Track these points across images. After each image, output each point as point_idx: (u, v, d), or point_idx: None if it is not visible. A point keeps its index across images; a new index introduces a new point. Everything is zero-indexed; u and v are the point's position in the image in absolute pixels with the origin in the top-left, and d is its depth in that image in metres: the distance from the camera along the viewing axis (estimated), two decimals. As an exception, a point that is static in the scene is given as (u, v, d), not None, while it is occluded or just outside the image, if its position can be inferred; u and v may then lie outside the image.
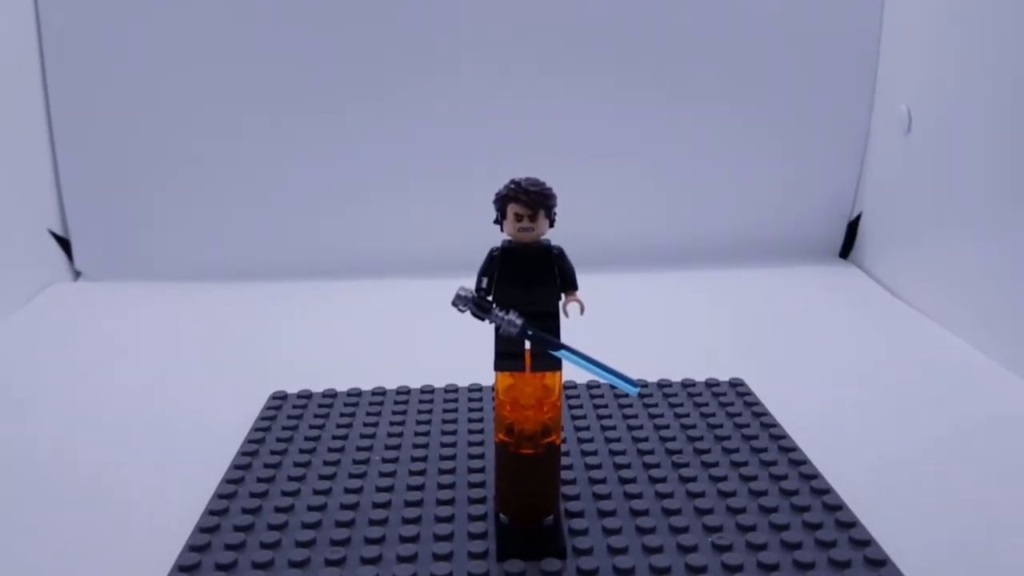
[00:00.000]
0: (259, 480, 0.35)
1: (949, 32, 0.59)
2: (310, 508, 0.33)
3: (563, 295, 0.30)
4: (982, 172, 0.55)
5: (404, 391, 0.45)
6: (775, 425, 0.40)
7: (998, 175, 0.53)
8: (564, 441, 0.37)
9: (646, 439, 0.39)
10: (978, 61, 0.55)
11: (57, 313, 0.63)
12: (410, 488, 0.35)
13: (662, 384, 0.45)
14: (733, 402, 0.43)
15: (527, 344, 0.29)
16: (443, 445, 0.39)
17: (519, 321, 0.28)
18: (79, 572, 0.31)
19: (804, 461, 0.36)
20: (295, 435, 0.40)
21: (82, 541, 0.33)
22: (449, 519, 0.32)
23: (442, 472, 0.36)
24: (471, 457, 0.37)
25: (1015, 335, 0.50)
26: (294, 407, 0.43)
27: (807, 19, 0.71)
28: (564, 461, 0.35)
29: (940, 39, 0.61)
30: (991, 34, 0.54)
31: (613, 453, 0.37)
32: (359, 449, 0.38)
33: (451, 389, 0.45)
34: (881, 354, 0.53)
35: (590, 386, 0.45)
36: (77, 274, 0.71)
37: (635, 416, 0.41)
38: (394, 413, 0.42)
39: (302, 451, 0.38)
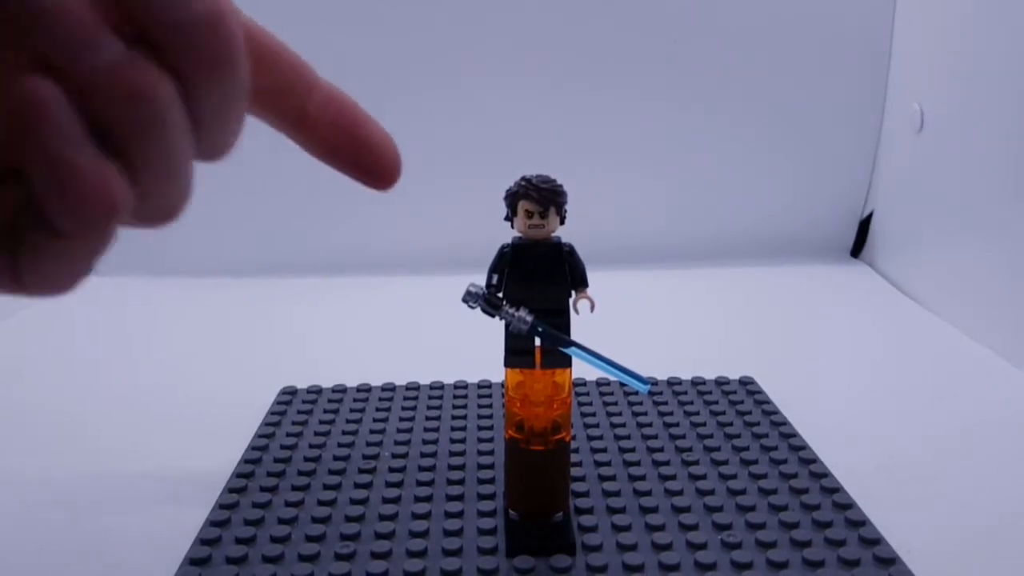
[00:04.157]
0: (269, 474, 0.36)
1: (961, 30, 0.59)
2: (320, 502, 0.33)
3: (573, 292, 0.30)
4: (994, 171, 0.54)
5: (414, 387, 0.45)
6: (785, 423, 0.40)
7: (1010, 174, 0.52)
8: (574, 438, 0.37)
9: (656, 436, 0.39)
10: (990, 60, 0.55)
11: (70, 308, 0.63)
12: (420, 484, 0.35)
13: (672, 382, 0.45)
14: (743, 400, 0.43)
15: (537, 341, 0.29)
16: (453, 441, 0.39)
17: (529, 318, 0.28)
18: (92, 568, 0.31)
19: (814, 459, 0.36)
20: (305, 430, 0.40)
21: (95, 535, 0.33)
22: (459, 515, 0.33)
23: (452, 468, 0.36)
24: (481, 453, 0.38)
25: (1027, 335, 0.50)
26: (304, 402, 0.43)
27: (819, 18, 0.70)
28: (574, 458, 0.35)
29: (952, 37, 0.60)
30: (1003, 33, 0.53)
31: (623, 450, 0.37)
32: (369, 444, 0.38)
33: (461, 385, 0.45)
34: (891, 353, 0.53)
35: (600, 383, 0.45)
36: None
37: (645, 413, 0.41)
38: (404, 409, 0.42)
39: (312, 446, 0.38)
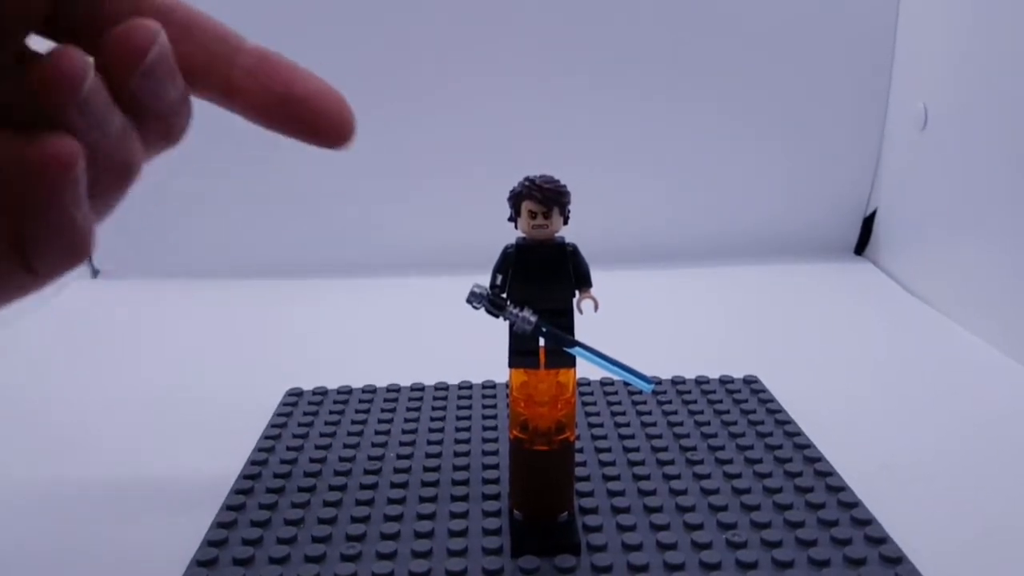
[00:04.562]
0: (276, 476, 0.36)
1: (965, 28, 0.59)
2: (326, 504, 0.33)
3: (577, 292, 0.30)
4: (998, 169, 0.54)
5: (418, 388, 0.45)
6: (789, 422, 0.40)
7: (1014, 171, 0.52)
8: (578, 438, 0.37)
9: (660, 436, 0.39)
10: (994, 57, 0.55)
11: (77, 310, 0.64)
12: (425, 484, 0.35)
13: (676, 381, 0.45)
14: (747, 399, 0.43)
15: (541, 341, 0.29)
16: (457, 442, 0.39)
17: (533, 318, 0.28)
18: (99, 570, 0.31)
19: (819, 458, 0.36)
20: (311, 431, 0.40)
21: (101, 537, 0.33)
22: (464, 515, 0.33)
23: (456, 468, 0.36)
24: (485, 454, 0.38)
25: (1032, 332, 0.50)
26: (310, 403, 0.43)
27: (822, 15, 0.70)
28: (578, 458, 0.35)
29: (956, 35, 0.60)
30: (1007, 30, 0.53)
31: (627, 450, 0.38)
32: (374, 445, 0.38)
33: (465, 386, 0.45)
34: (895, 351, 0.53)
35: (604, 383, 0.45)
36: (96, 272, 0.72)
37: (649, 413, 0.41)
38: (408, 410, 0.42)
39: (318, 447, 0.38)
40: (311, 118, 0.22)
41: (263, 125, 0.22)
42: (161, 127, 0.20)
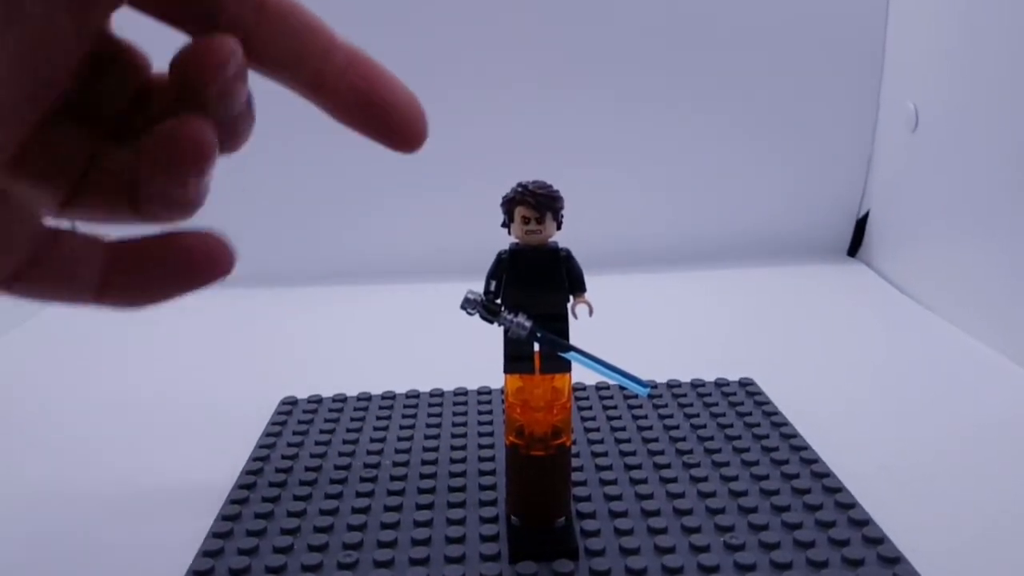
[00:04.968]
0: (271, 485, 0.36)
1: (955, 29, 0.59)
2: (322, 512, 0.33)
3: (571, 297, 0.30)
4: (990, 169, 0.54)
5: (414, 395, 0.45)
6: (786, 424, 0.40)
7: (1006, 172, 0.53)
8: (574, 443, 0.37)
9: (656, 439, 0.39)
10: (985, 58, 0.55)
11: (71, 319, 0.63)
12: (421, 491, 0.35)
13: (672, 384, 0.45)
14: (743, 401, 0.43)
15: (536, 346, 0.29)
16: (453, 448, 0.39)
17: (528, 323, 0.28)
18: (94, 578, 0.31)
19: (815, 459, 0.36)
20: (306, 440, 0.40)
21: (97, 547, 0.33)
22: (461, 521, 0.32)
23: (453, 475, 0.36)
24: (482, 460, 0.37)
25: (1026, 331, 0.50)
26: (305, 412, 0.43)
27: (813, 18, 0.71)
28: (575, 463, 0.35)
29: (946, 35, 0.60)
30: (998, 31, 0.54)
31: (623, 454, 0.37)
32: (370, 453, 0.38)
33: (460, 392, 0.45)
34: (890, 352, 0.53)
35: (599, 387, 0.45)
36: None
37: (645, 417, 0.41)
38: (404, 417, 0.42)
39: (313, 456, 0.38)
40: (392, 124, 0.22)
41: (339, 121, 0.22)
42: (224, 134, 0.21)
